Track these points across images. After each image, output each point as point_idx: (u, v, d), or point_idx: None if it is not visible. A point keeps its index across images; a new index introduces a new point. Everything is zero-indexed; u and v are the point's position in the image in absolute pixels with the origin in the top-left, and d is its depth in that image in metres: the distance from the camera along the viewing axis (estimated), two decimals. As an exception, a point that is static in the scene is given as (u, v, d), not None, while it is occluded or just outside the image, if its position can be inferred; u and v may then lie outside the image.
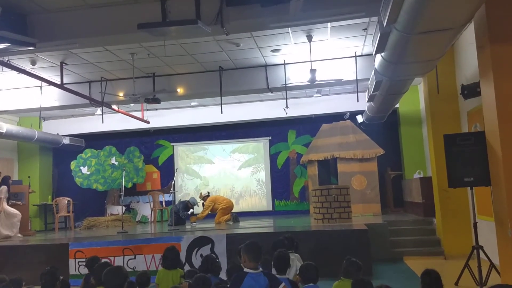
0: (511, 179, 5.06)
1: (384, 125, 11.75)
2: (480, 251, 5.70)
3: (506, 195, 5.07)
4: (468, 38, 7.14)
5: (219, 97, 9.88)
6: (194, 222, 10.37)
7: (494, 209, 5.56)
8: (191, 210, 10.57)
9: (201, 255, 7.28)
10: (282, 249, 4.41)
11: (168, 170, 13.48)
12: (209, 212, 10.52)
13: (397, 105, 10.80)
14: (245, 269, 3.55)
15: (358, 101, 9.50)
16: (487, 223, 6.58)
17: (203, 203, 10.79)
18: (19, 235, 9.71)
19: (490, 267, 5.57)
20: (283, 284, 3.51)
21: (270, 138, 13.27)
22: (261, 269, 3.60)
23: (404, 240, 8.57)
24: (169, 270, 4.66)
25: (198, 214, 10.58)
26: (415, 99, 11.22)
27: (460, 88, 6.94)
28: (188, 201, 10.73)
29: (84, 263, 7.34)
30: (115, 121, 12.35)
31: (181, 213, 10.37)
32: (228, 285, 3.48)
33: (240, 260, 4.42)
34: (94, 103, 9.74)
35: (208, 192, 11.13)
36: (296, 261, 5.04)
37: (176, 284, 4.31)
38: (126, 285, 3.47)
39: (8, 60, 7.66)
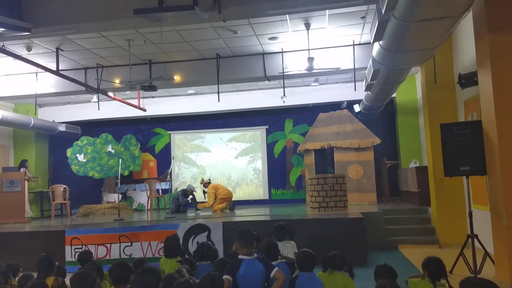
0: (507, 168, 5.09)
1: (381, 115, 11.75)
2: (475, 240, 5.74)
3: (502, 184, 5.10)
4: (466, 26, 7.11)
5: (216, 85, 9.84)
6: (199, 210, 10.43)
7: (489, 198, 5.60)
8: (190, 197, 10.66)
9: (197, 243, 7.31)
10: (271, 237, 4.44)
11: (164, 158, 13.47)
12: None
13: (394, 95, 10.79)
14: (240, 256, 3.59)
15: (355, 90, 9.48)
16: (482, 212, 6.62)
17: (203, 191, 10.81)
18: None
19: (485, 256, 5.62)
20: (276, 269, 3.53)
21: (267, 127, 13.26)
22: (255, 255, 3.62)
23: (399, 229, 8.62)
24: (169, 259, 4.70)
25: (205, 203, 10.51)
26: (412, 88, 11.21)
27: (457, 77, 6.92)
28: (186, 188, 10.80)
29: (81, 250, 7.39)
30: (112, 109, 12.29)
31: (181, 199, 10.52)
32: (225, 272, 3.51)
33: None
34: (90, 90, 9.68)
35: (210, 179, 11.09)
36: (291, 249, 5.07)
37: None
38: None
39: (3, 46, 7.59)
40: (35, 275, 4.20)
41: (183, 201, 10.53)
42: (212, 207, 10.37)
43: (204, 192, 10.79)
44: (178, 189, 12.44)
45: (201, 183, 10.91)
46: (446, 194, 8.13)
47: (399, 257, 7.38)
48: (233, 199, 10.83)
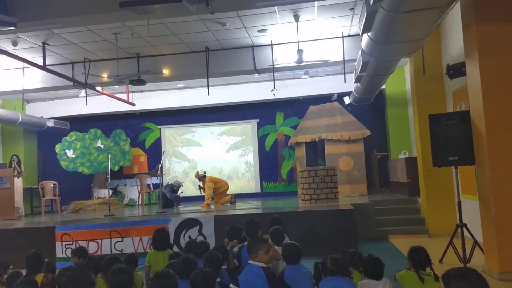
0: (495, 158, 5.13)
1: (371, 106, 11.79)
2: (464, 229, 5.80)
3: (490, 174, 5.14)
4: (454, 17, 7.13)
5: (206, 79, 9.78)
6: (205, 208, 10.10)
7: (478, 188, 5.64)
8: (180, 191, 10.56)
9: (189, 237, 7.31)
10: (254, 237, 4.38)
11: (155, 153, 13.39)
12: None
13: (383, 86, 10.81)
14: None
15: (345, 82, 9.48)
16: (471, 201, 6.68)
17: (199, 185, 10.68)
18: None
19: (474, 245, 5.68)
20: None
21: (258, 120, 13.24)
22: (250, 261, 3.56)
23: (389, 219, 8.69)
24: (159, 251, 4.68)
25: (205, 202, 10.13)
26: (401, 80, 11.25)
27: (445, 68, 6.96)
28: (173, 184, 10.67)
29: (71, 246, 7.35)
30: (100, 103, 12.16)
31: (170, 195, 10.35)
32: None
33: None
34: (77, 84, 9.57)
35: (205, 172, 10.93)
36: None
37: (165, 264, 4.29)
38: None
39: (-13, 41, 7.48)
40: (24, 272, 4.16)
41: (172, 197, 10.37)
42: (215, 201, 10.30)
43: (200, 187, 10.58)
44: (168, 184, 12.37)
45: (196, 177, 10.69)
46: (435, 184, 8.19)
47: (389, 247, 7.44)
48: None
